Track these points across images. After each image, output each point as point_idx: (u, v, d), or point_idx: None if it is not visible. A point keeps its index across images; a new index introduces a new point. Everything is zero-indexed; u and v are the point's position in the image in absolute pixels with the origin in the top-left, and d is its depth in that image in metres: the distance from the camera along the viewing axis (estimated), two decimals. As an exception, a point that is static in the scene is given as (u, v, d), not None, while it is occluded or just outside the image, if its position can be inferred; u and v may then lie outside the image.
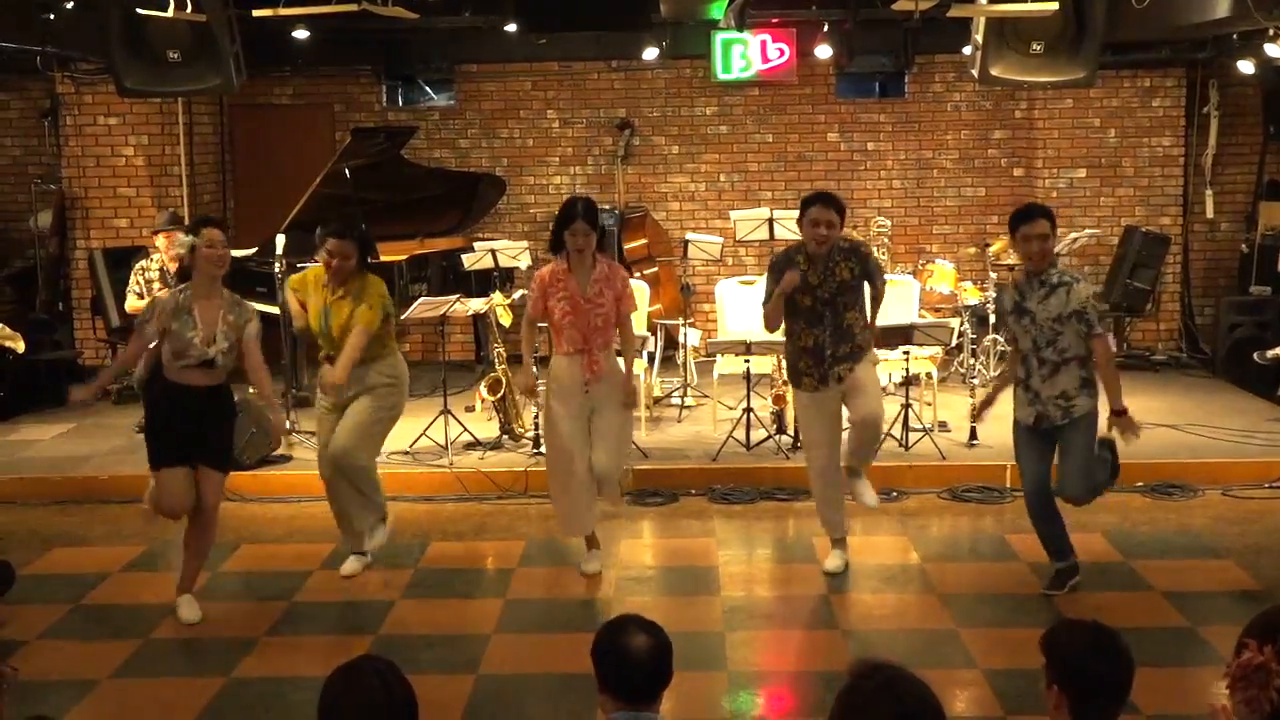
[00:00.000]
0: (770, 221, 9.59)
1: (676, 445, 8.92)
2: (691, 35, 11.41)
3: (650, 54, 11.38)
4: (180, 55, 7.88)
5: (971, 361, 9.46)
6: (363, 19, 7.93)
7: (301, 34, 10.00)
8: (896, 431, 8.58)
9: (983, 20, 7.94)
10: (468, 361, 11.43)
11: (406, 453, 8.56)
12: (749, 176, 12.19)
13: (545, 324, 6.73)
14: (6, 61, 10.99)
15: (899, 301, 9.73)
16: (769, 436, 8.69)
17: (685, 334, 10.02)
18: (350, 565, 6.82)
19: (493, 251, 9.68)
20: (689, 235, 10.69)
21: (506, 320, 9.24)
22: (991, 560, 7.03)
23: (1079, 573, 6.39)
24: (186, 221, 10.52)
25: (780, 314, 6.50)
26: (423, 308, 8.71)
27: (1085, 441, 6.16)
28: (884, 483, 8.06)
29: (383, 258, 10.38)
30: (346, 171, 10.21)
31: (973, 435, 8.66)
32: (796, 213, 6.69)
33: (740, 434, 8.64)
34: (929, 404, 9.16)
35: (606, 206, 11.82)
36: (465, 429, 8.88)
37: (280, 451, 8.57)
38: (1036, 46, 7.99)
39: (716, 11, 10.21)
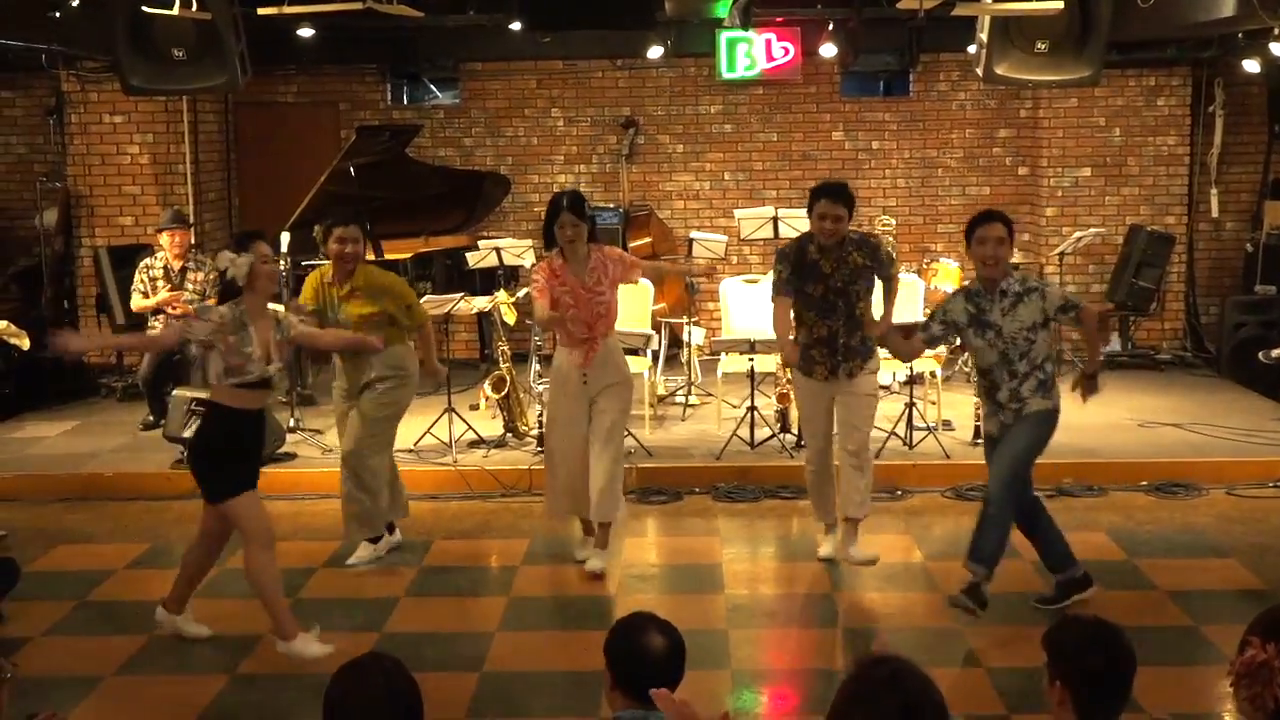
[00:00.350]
0: (775, 220, 9.60)
1: (680, 444, 8.93)
2: (696, 34, 11.42)
3: (655, 52, 11.38)
4: (185, 53, 7.89)
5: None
6: (367, 17, 7.94)
7: (306, 32, 10.01)
8: (901, 430, 8.58)
9: (988, 19, 7.94)
10: (472, 360, 11.45)
11: (411, 450, 8.56)
12: (753, 175, 12.19)
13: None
14: (12, 59, 11.01)
15: (903, 300, 9.72)
16: (773, 435, 8.69)
17: (689, 332, 10.02)
18: (371, 550, 7.00)
19: (497, 250, 9.68)
20: (693, 234, 10.68)
21: (511, 318, 9.24)
22: (995, 559, 7.02)
23: (1090, 585, 6.07)
24: (191, 219, 10.56)
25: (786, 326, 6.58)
26: (427, 306, 8.69)
27: (1024, 437, 5.91)
28: (888, 481, 8.08)
29: (387, 256, 10.41)
30: (351, 170, 10.22)
31: (976, 434, 8.64)
32: (800, 211, 6.71)
33: (744, 432, 8.64)
34: (933, 403, 9.16)
35: (611, 205, 11.85)
36: (469, 427, 8.89)
37: (284, 450, 8.60)
38: (1041, 45, 7.99)
39: (721, 10, 10.20)
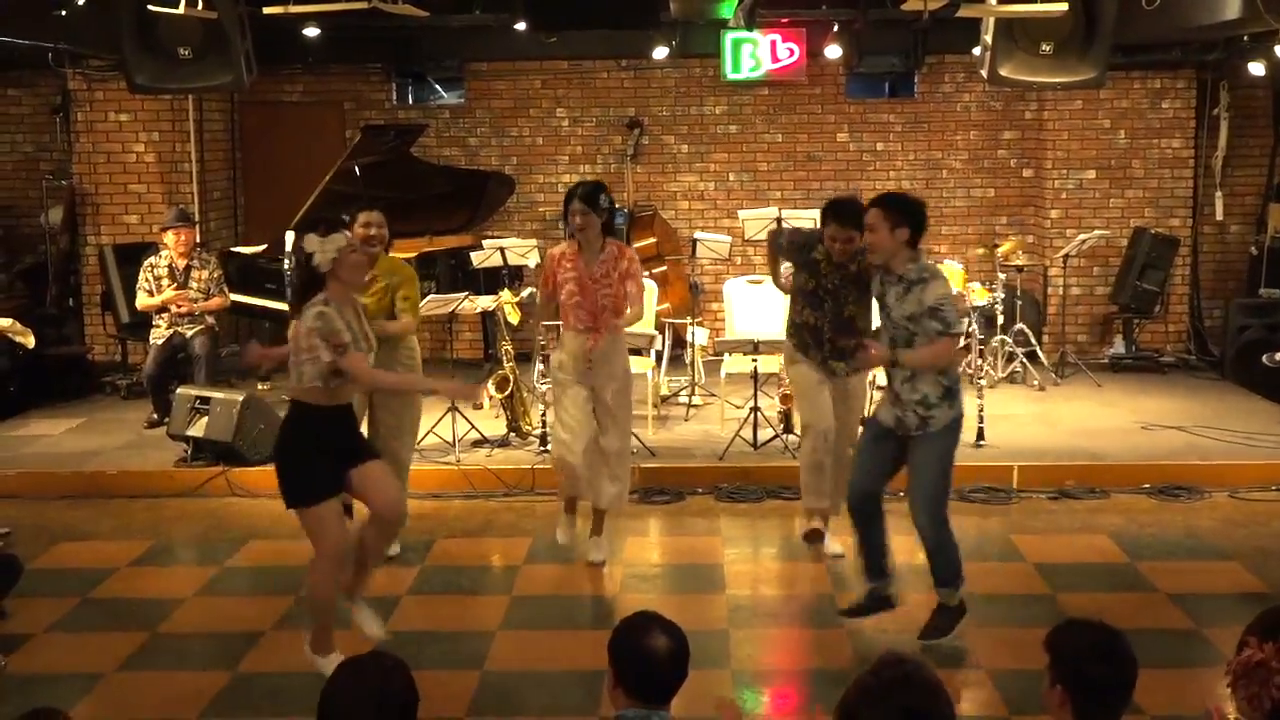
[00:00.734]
0: (779, 221, 9.59)
1: (683, 444, 8.93)
2: (701, 34, 11.41)
3: (660, 53, 11.38)
4: (191, 52, 7.91)
5: (979, 362, 9.45)
6: (373, 17, 7.96)
7: (312, 31, 10.03)
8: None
9: (992, 20, 7.94)
10: (476, 359, 11.45)
11: (414, 449, 8.56)
12: (758, 176, 12.19)
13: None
14: (18, 57, 11.03)
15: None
16: (775, 436, 8.69)
17: (693, 333, 10.02)
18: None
19: (501, 249, 9.69)
20: (697, 234, 10.70)
21: (515, 318, 9.25)
22: (997, 560, 7.02)
23: (894, 605, 5.88)
24: (196, 218, 10.58)
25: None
26: (431, 305, 8.72)
27: (937, 462, 5.64)
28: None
29: (392, 254, 10.40)
30: (356, 169, 10.23)
31: (979, 436, 8.65)
32: (803, 212, 6.73)
33: (747, 433, 8.64)
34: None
35: (616, 206, 11.83)
36: (473, 426, 8.90)
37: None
38: (1046, 47, 7.99)
39: (726, 11, 10.21)
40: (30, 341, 8.65)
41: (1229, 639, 2.36)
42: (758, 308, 9.49)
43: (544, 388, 8.46)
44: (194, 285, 9.52)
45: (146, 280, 9.48)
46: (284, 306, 9.20)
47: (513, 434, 8.98)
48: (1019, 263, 10.74)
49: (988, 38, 8.04)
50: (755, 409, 8.62)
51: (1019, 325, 10.75)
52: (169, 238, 9.53)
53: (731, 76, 11.70)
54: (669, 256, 11.53)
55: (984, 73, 8.22)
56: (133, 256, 10.28)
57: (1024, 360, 10.62)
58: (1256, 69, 10.57)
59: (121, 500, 8.18)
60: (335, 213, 6.97)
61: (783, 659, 5.97)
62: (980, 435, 8.65)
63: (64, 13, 8.72)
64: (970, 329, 9.37)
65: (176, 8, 7.30)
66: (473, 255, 9.92)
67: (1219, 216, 11.87)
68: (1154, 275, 11.25)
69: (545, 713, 5.28)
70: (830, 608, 6.30)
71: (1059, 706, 2.95)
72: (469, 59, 12.15)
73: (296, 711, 5.21)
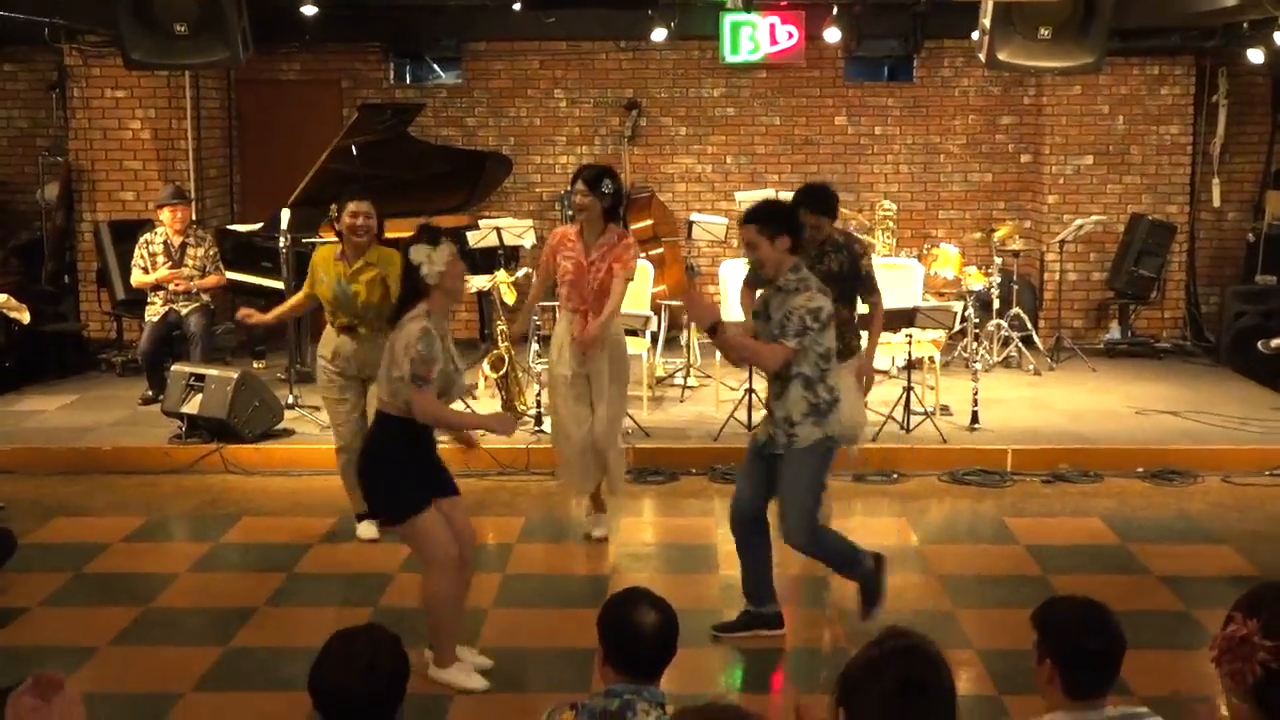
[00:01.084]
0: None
1: (678, 425, 8.95)
2: (700, 16, 11.38)
3: (658, 35, 11.35)
4: (188, 28, 7.88)
5: (975, 346, 9.46)
6: (371, -6, 7.94)
7: (309, 10, 10.00)
8: (898, 414, 8.59)
9: (991, 5, 7.93)
10: (471, 339, 11.45)
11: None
12: (755, 159, 12.18)
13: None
14: (14, 33, 11.01)
15: (903, 285, 9.76)
16: (770, 418, 8.69)
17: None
18: (368, 529, 6.95)
19: (498, 230, 9.69)
20: (694, 216, 10.70)
21: (510, 298, 9.24)
22: (990, 543, 7.06)
23: (776, 626, 5.75)
24: (192, 195, 10.57)
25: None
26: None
27: (805, 478, 5.51)
28: (884, 465, 8.12)
29: (388, 234, 10.38)
30: (353, 147, 10.20)
31: (974, 419, 8.66)
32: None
33: (742, 414, 8.65)
34: (931, 387, 9.17)
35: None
36: (467, 406, 8.89)
37: (281, 426, 8.62)
38: (1044, 31, 7.98)
39: (725, -8, 10.19)
40: (25, 318, 8.64)
41: (1219, 621, 2.37)
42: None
43: (539, 368, 8.47)
44: (189, 263, 9.50)
45: (141, 257, 9.47)
46: (279, 285, 9.22)
47: (507, 414, 8.97)
48: (1016, 247, 10.74)
49: (986, 22, 8.03)
50: (750, 390, 8.63)
51: (1015, 310, 10.76)
52: (164, 215, 9.52)
53: (730, 59, 11.68)
54: (665, 239, 11.51)
55: (982, 57, 8.21)
56: (128, 233, 10.27)
57: (1019, 345, 10.64)
58: (1255, 56, 10.57)
59: (116, 476, 8.19)
60: (330, 191, 6.96)
61: (773, 638, 5.98)
62: (975, 419, 8.67)
63: (60, -12, 8.71)
64: (967, 313, 9.37)
65: (173, -17, 7.29)
66: (469, 235, 9.90)
67: (1216, 203, 11.88)
68: (1150, 261, 11.26)
69: (539, 690, 5.30)
70: (821, 588, 6.32)
71: (1047, 681, 2.96)
72: (467, 38, 12.12)
73: (290, 685, 5.23)
